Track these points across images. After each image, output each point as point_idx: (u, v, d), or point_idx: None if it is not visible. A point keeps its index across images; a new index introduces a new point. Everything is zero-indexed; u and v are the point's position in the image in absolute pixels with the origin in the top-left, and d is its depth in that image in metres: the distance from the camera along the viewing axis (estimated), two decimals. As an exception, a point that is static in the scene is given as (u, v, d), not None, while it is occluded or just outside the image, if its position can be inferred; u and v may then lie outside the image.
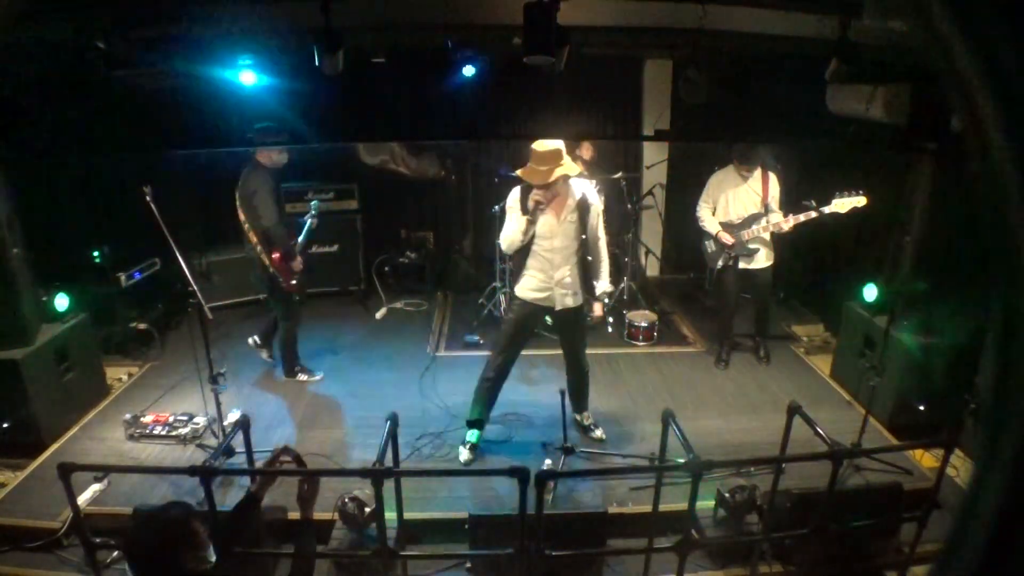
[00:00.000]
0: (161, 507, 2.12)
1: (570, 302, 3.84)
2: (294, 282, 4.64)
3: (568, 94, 6.92)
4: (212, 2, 3.74)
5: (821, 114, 5.25)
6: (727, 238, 4.93)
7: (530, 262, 3.77)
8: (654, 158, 7.00)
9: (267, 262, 4.52)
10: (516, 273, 3.87)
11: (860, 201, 4.44)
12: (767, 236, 4.93)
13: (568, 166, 3.55)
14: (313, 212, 4.88)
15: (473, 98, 6.36)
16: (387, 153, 6.81)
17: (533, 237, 3.70)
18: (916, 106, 4.12)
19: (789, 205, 4.95)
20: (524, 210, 3.63)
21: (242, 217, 4.53)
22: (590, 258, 3.81)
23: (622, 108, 7.21)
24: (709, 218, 5.05)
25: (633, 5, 4.17)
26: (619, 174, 6.21)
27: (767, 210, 4.90)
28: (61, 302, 4.51)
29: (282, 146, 4.47)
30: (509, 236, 3.72)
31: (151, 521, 2.04)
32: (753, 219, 4.91)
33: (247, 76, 4.12)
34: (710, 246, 5.14)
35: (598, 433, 4.24)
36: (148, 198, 4.29)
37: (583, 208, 3.68)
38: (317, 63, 3.56)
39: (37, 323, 4.34)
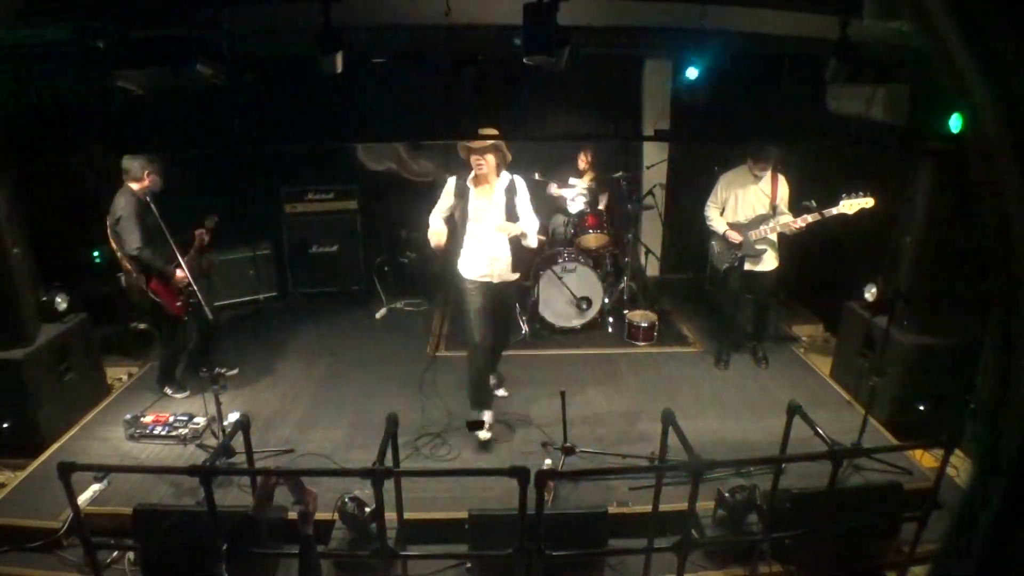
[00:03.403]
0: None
1: (507, 276, 4.25)
2: (179, 304, 4.45)
3: (568, 94, 6.93)
4: (212, 3, 3.74)
5: (821, 114, 5.26)
6: (735, 236, 4.92)
7: (468, 244, 4.16)
8: (654, 158, 7.00)
9: (145, 288, 4.34)
10: (457, 254, 4.19)
11: (868, 202, 4.41)
12: (774, 237, 4.92)
13: (500, 153, 4.06)
14: (208, 226, 4.61)
15: (473, 98, 6.35)
16: (393, 160, 6.82)
17: (467, 220, 4.11)
18: (916, 106, 4.12)
19: (788, 205, 4.94)
20: (458, 194, 4.15)
21: (113, 245, 4.34)
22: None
23: (622, 108, 7.21)
24: (717, 218, 5.05)
25: (633, 5, 4.17)
26: (619, 174, 6.21)
27: (775, 211, 4.89)
28: (61, 302, 4.50)
29: (151, 165, 4.34)
30: (439, 204, 4.18)
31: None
32: (761, 220, 4.90)
33: (248, 76, 4.12)
34: (717, 246, 5.14)
35: (484, 435, 4.20)
36: (148, 198, 4.30)
37: (510, 192, 4.14)
38: (317, 64, 3.55)
39: (37, 323, 4.34)
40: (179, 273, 4.35)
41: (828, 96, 5.17)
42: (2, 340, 4.09)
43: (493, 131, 4.07)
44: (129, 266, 4.34)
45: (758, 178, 4.90)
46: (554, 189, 6.29)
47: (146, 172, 4.32)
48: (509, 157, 4.10)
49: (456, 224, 4.18)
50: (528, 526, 2.61)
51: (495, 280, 4.19)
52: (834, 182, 4.73)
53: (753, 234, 4.90)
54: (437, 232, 4.11)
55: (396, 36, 4.28)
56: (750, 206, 4.95)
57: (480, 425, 4.09)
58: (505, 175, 4.16)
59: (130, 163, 4.31)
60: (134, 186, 4.32)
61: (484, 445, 4.19)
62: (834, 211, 4.51)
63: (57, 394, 4.32)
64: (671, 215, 7.07)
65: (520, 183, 4.20)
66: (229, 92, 4.01)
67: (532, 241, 4.23)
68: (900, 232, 4.51)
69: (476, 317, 4.17)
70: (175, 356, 4.78)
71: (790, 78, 5.38)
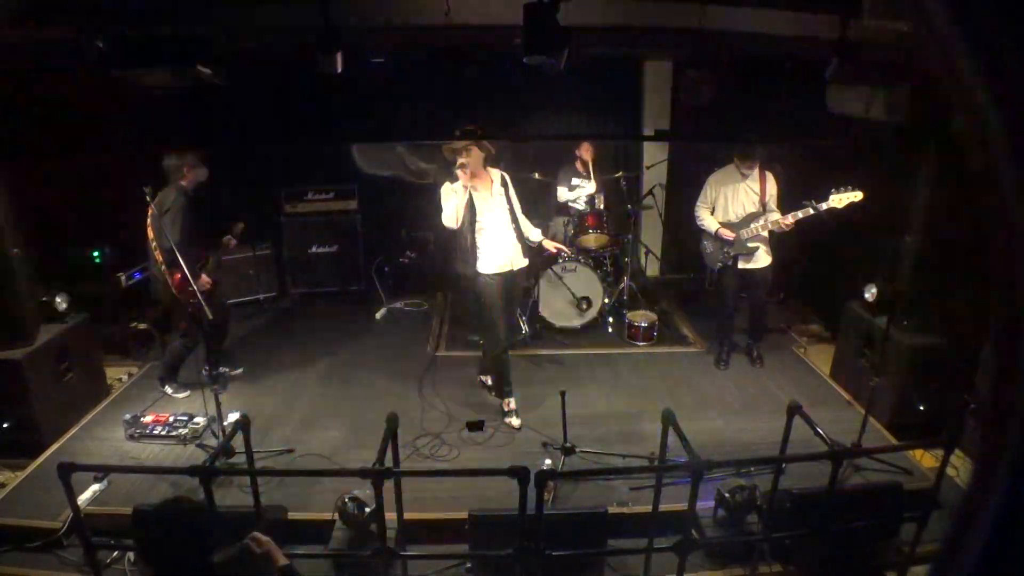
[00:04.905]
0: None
1: (520, 263, 4.48)
2: (194, 301, 4.39)
3: (568, 94, 6.93)
4: (211, 2, 3.74)
5: (821, 114, 5.26)
6: (728, 234, 4.93)
7: (481, 241, 4.29)
8: (654, 158, 7.00)
9: (169, 281, 4.35)
10: (471, 253, 4.29)
11: (856, 196, 4.43)
12: (766, 234, 4.93)
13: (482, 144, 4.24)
14: (235, 232, 4.76)
15: (473, 98, 6.34)
16: (398, 167, 6.81)
17: (475, 218, 4.22)
18: (916, 106, 4.12)
19: (788, 204, 4.94)
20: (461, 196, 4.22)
21: (150, 235, 4.37)
22: (519, 223, 4.46)
23: (622, 108, 7.21)
24: (708, 217, 5.06)
25: (633, 5, 4.17)
26: (619, 174, 6.20)
27: (765, 209, 4.90)
28: (61, 302, 4.50)
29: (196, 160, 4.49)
30: (450, 209, 4.17)
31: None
32: (752, 218, 4.91)
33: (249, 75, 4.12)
34: (709, 246, 5.14)
35: (516, 422, 4.46)
36: (148, 198, 4.30)
37: (505, 186, 4.38)
38: (317, 64, 3.55)
39: (37, 323, 4.34)
40: (203, 277, 4.44)
41: (828, 96, 5.17)
42: (2, 340, 4.08)
43: (473, 130, 4.21)
44: (160, 257, 4.37)
45: (745, 176, 4.91)
46: (564, 193, 6.25)
47: (185, 167, 4.45)
48: (493, 150, 4.26)
49: (464, 226, 4.22)
50: (528, 526, 2.62)
51: (513, 268, 4.42)
52: (833, 182, 4.73)
53: (745, 232, 4.92)
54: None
55: (396, 36, 4.28)
56: (740, 204, 4.96)
57: (480, 425, 4.10)
58: (494, 170, 4.35)
59: (169, 162, 4.44)
60: (183, 182, 4.45)
61: (484, 446, 4.20)
62: (823, 206, 4.51)
63: (57, 394, 4.31)
64: (671, 215, 7.08)
65: (507, 177, 4.43)
66: (229, 92, 4.01)
67: (537, 235, 4.56)
68: (900, 232, 4.51)
69: (498, 314, 4.36)
70: (187, 351, 4.80)
71: (790, 78, 5.38)
